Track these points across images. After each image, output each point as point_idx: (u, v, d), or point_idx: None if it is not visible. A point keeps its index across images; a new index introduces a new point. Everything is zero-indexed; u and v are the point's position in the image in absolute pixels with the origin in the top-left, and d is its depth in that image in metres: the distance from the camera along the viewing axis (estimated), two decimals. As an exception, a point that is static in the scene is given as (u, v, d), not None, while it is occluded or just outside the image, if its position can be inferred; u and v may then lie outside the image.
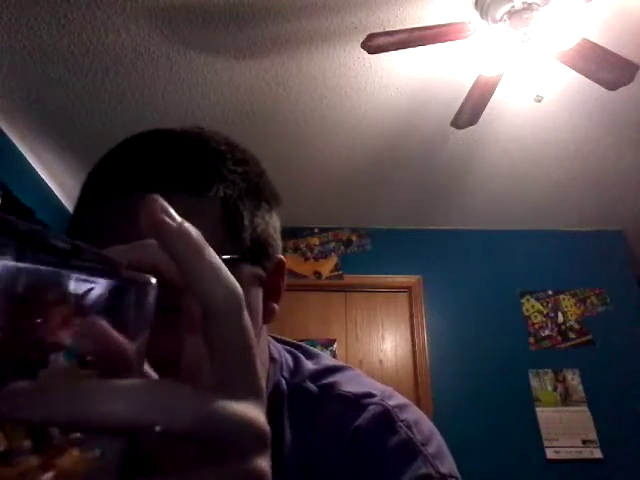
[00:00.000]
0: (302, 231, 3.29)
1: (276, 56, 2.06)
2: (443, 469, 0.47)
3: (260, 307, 0.47)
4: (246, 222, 0.44)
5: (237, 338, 0.21)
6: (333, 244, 3.30)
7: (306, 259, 3.24)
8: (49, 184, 2.77)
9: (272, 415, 0.47)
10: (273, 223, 0.49)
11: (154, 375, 0.26)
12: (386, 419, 0.49)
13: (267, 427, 0.21)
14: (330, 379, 0.54)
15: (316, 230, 3.31)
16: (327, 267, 3.23)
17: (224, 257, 0.38)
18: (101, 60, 2.05)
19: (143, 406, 0.18)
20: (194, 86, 2.18)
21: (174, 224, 0.21)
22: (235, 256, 0.42)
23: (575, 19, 1.66)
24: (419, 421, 0.51)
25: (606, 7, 1.85)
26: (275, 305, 0.50)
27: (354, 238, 3.33)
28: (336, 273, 3.21)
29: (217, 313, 0.21)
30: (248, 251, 0.44)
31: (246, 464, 0.20)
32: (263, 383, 0.23)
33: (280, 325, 2.92)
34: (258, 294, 0.46)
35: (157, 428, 0.18)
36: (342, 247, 3.31)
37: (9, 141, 2.42)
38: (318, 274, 3.20)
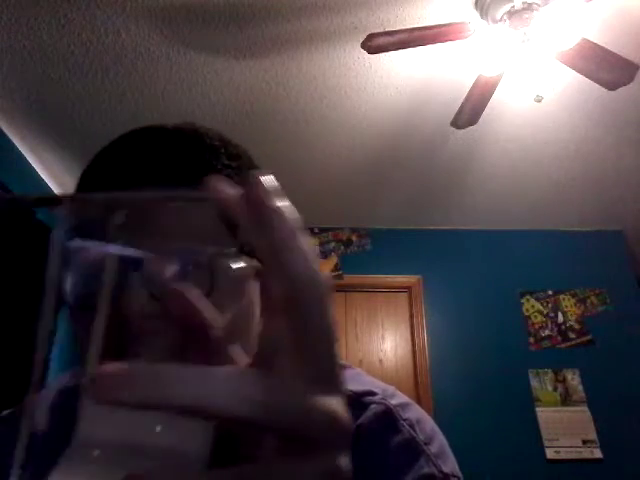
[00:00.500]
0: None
1: (276, 56, 2.06)
2: (446, 468, 0.47)
3: (258, 299, 0.46)
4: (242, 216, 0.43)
5: (325, 329, 0.21)
6: (333, 244, 3.30)
7: (306, 259, 3.24)
8: (49, 184, 2.77)
9: None
10: None
11: (241, 355, 0.26)
12: (388, 418, 0.49)
13: (351, 424, 0.21)
14: None
15: (316, 230, 3.31)
16: (327, 267, 3.23)
17: (223, 251, 0.38)
18: (101, 60, 2.05)
19: (243, 398, 0.18)
20: (194, 86, 2.18)
21: (275, 206, 0.21)
22: (233, 249, 0.41)
23: (575, 19, 1.66)
24: (421, 420, 0.51)
25: (606, 7, 1.85)
26: None
27: (354, 238, 3.33)
28: (336, 273, 3.21)
29: (309, 301, 0.21)
30: (246, 245, 0.43)
31: (333, 461, 0.20)
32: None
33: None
34: (256, 287, 0.46)
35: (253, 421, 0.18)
36: (342, 247, 3.31)
37: (9, 141, 2.42)
38: (318, 274, 3.20)
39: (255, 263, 0.43)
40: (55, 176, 2.74)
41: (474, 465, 2.62)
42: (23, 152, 2.53)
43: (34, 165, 2.62)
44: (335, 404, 0.20)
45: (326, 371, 0.21)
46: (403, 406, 0.51)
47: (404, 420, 0.49)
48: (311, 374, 0.20)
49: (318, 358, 0.21)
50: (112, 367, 0.17)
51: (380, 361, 2.99)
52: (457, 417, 2.75)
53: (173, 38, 1.97)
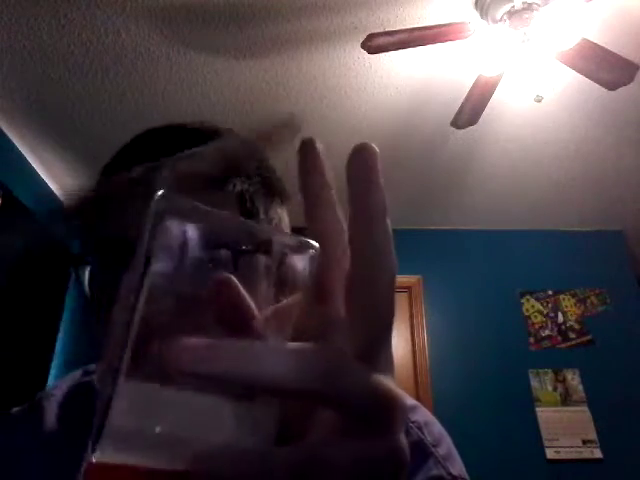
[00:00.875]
0: (302, 231, 3.28)
1: (276, 56, 2.06)
2: (454, 471, 0.47)
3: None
4: (261, 215, 0.46)
5: (388, 312, 0.21)
6: (333, 244, 3.30)
7: (306, 259, 3.24)
8: (49, 184, 2.77)
9: None
10: (284, 217, 0.51)
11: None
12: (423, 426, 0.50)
13: (407, 405, 0.21)
14: None
15: (316, 230, 3.31)
16: (327, 267, 3.23)
17: (242, 248, 0.40)
18: (101, 60, 2.05)
19: (313, 373, 0.18)
20: (194, 86, 2.18)
21: (380, 182, 0.21)
22: (249, 247, 0.42)
23: (575, 19, 1.66)
24: (429, 423, 0.51)
25: (606, 7, 1.85)
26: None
27: (354, 238, 3.33)
28: (336, 273, 3.21)
29: (376, 280, 0.21)
30: (262, 243, 0.44)
31: (393, 442, 0.20)
32: None
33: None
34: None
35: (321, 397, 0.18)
36: (342, 247, 3.30)
37: (9, 141, 2.42)
38: (318, 274, 3.20)
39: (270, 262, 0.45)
40: (55, 176, 2.74)
41: (474, 465, 2.62)
42: (23, 152, 2.53)
43: (34, 165, 2.62)
44: (395, 385, 0.20)
45: (384, 351, 0.21)
46: (411, 409, 0.51)
47: (412, 422, 0.50)
48: (370, 354, 0.20)
49: (377, 339, 0.21)
50: (194, 341, 0.17)
51: (380, 361, 2.99)
52: (457, 417, 2.74)
53: (173, 38, 1.97)
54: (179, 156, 0.43)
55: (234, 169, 0.45)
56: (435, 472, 0.46)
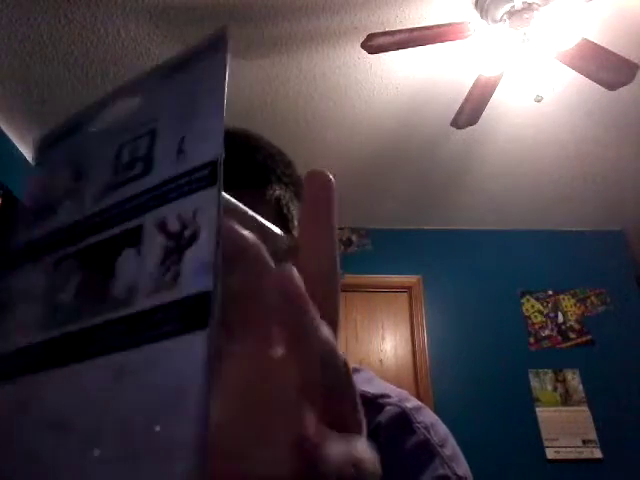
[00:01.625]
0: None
1: (276, 56, 2.06)
2: (459, 471, 0.48)
3: None
4: (294, 221, 0.50)
5: (334, 324, 0.20)
6: (333, 244, 3.30)
7: (306, 259, 3.24)
8: (49, 184, 2.76)
9: None
10: None
11: None
12: (404, 420, 0.50)
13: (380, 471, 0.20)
14: None
15: (316, 230, 3.31)
16: (327, 267, 3.23)
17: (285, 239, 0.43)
18: (101, 60, 2.05)
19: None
20: (194, 86, 2.18)
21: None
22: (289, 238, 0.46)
23: (575, 19, 1.66)
24: (435, 424, 0.52)
25: (606, 7, 1.85)
26: None
27: (354, 238, 3.33)
28: (336, 273, 3.21)
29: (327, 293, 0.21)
30: (293, 248, 0.46)
31: None
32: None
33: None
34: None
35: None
36: (342, 247, 3.30)
37: (9, 141, 2.42)
38: (318, 274, 3.20)
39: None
40: (55, 176, 2.74)
41: (474, 465, 2.62)
42: (23, 152, 2.53)
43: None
44: (372, 452, 0.19)
45: (352, 412, 0.19)
46: (417, 409, 0.52)
47: (419, 423, 0.50)
48: (341, 423, 0.19)
49: (339, 387, 0.19)
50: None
51: (380, 361, 2.99)
52: (457, 417, 2.74)
53: (173, 38, 1.97)
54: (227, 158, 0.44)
55: (275, 176, 0.49)
56: (441, 472, 0.47)
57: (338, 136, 2.54)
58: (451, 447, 0.51)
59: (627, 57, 1.83)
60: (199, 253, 0.17)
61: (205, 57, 0.25)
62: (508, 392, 2.86)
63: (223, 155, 0.20)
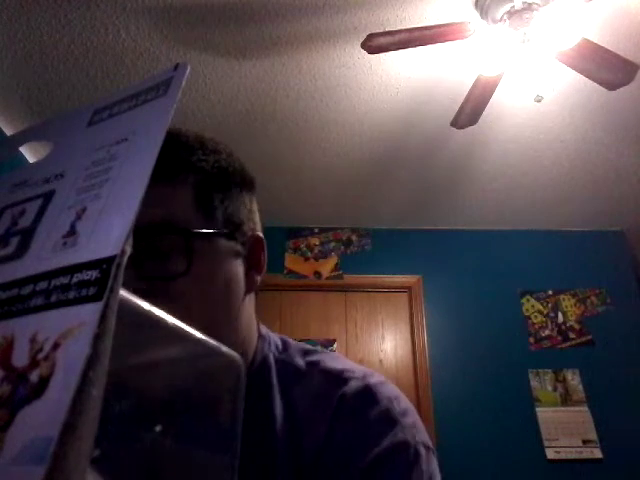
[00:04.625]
0: (302, 231, 3.28)
1: (276, 56, 2.06)
2: (419, 438, 0.51)
3: (241, 278, 0.54)
4: (216, 203, 0.51)
5: None
6: (333, 244, 3.30)
7: (306, 259, 3.24)
8: (49, 184, 2.77)
9: (262, 384, 0.55)
10: (248, 205, 0.57)
11: None
12: (367, 391, 0.54)
13: None
14: (316, 357, 0.60)
15: (316, 230, 3.31)
16: (327, 267, 3.23)
17: (198, 231, 0.46)
18: (101, 60, 2.05)
19: None
20: (194, 86, 2.18)
21: None
22: (206, 232, 0.49)
23: (575, 19, 1.66)
24: (398, 396, 0.56)
25: (606, 7, 1.85)
26: (257, 277, 0.56)
27: (354, 238, 3.33)
28: (336, 273, 3.21)
29: None
30: (222, 228, 0.51)
31: None
32: None
33: (280, 325, 2.92)
34: (237, 265, 0.53)
35: None
36: (342, 247, 3.30)
37: (9, 141, 2.42)
38: (318, 274, 3.20)
39: (233, 244, 0.52)
40: (55, 176, 2.74)
41: (474, 465, 2.63)
42: (23, 152, 2.52)
43: (34, 165, 2.62)
44: None
45: None
46: (381, 383, 0.56)
47: (381, 394, 0.54)
48: None
49: None
50: None
51: (380, 361, 2.99)
52: (457, 417, 2.75)
53: (173, 38, 1.97)
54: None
55: (190, 164, 0.50)
56: (401, 436, 0.50)
57: (338, 136, 2.54)
58: (412, 418, 0.53)
59: (627, 57, 1.83)
60: (41, 418, 0.12)
61: (150, 98, 0.20)
62: (508, 392, 2.86)
63: (129, 252, 0.15)
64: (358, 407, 0.52)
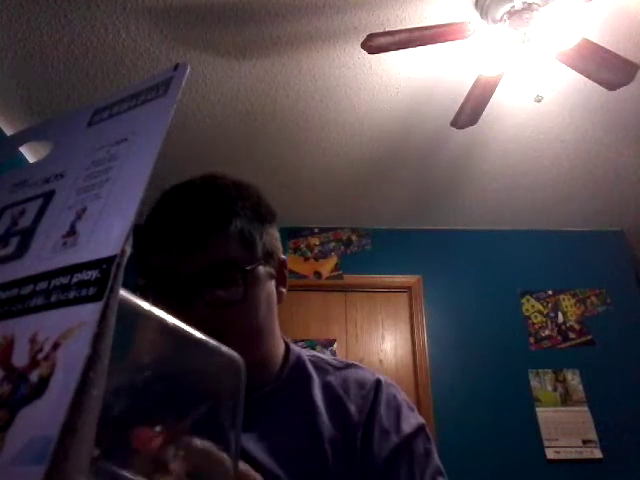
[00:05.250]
0: (302, 231, 3.28)
1: (276, 56, 2.06)
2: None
3: (274, 292, 0.68)
4: (257, 240, 0.64)
5: None
6: (333, 244, 3.30)
7: (306, 259, 3.24)
8: (49, 184, 2.76)
9: (302, 376, 0.69)
10: (274, 234, 0.69)
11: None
12: (393, 384, 0.72)
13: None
14: (347, 360, 0.76)
15: (316, 230, 3.31)
16: (327, 267, 3.23)
17: (251, 267, 0.62)
18: (101, 60, 2.05)
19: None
20: (194, 86, 2.18)
21: None
22: (253, 265, 0.62)
23: (575, 19, 1.66)
24: (406, 397, 0.72)
25: (606, 7, 1.85)
26: (283, 290, 0.71)
27: (354, 238, 3.33)
28: (336, 273, 3.21)
29: None
30: (262, 259, 0.64)
31: None
32: None
33: (280, 325, 2.91)
34: (272, 285, 0.68)
35: None
36: (342, 247, 3.30)
37: (9, 141, 2.42)
38: (318, 274, 3.20)
39: (268, 269, 0.64)
40: (55, 176, 2.74)
41: (474, 465, 2.62)
42: (23, 152, 2.52)
43: (34, 165, 2.62)
44: None
45: None
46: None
47: (398, 387, 0.73)
48: None
49: None
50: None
51: (380, 361, 2.98)
52: (457, 417, 2.75)
53: (173, 38, 1.97)
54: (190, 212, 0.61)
55: (234, 213, 0.62)
56: (421, 420, 0.68)
57: (338, 136, 2.54)
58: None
59: (627, 57, 1.83)
60: (42, 417, 0.11)
61: (150, 98, 0.19)
62: (508, 392, 2.86)
63: (129, 252, 0.15)
64: (391, 391, 0.69)
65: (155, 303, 0.55)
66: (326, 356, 0.75)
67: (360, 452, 0.62)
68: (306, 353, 0.74)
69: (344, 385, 0.68)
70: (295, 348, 0.73)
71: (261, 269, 0.64)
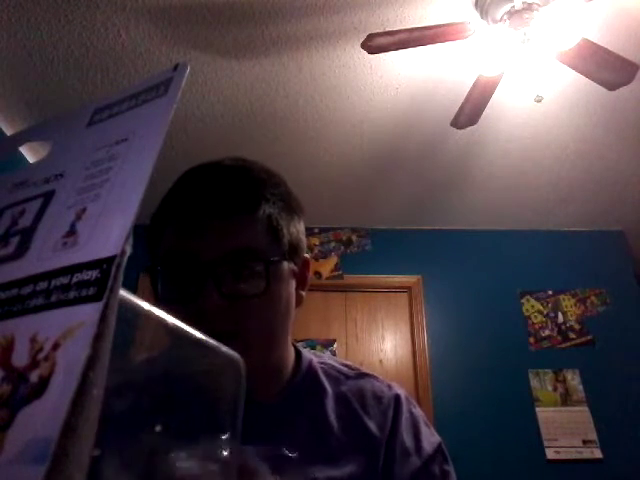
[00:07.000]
0: (327, 231, 3.28)
1: (276, 56, 2.06)
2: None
3: (294, 294, 0.62)
4: (284, 231, 0.58)
5: None
6: (333, 244, 3.30)
7: (306, 259, 3.24)
8: (49, 184, 2.76)
9: (314, 384, 0.65)
10: (301, 229, 0.64)
11: None
12: (410, 398, 0.68)
13: None
14: (358, 368, 0.72)
15: (316, 230, 3.31)
16: (327, 267, 3.23)
17: (275, 259, 0.56)
18: (101, 60, 2.05)
19: None
20: (194, 86, 2.18)
21: None
22: (277, 258, 0.57)
23: (575, 19, 1.66)
24: (421, 412, 0.70)
25: (606, 7, 1.85)
26: (303, 293, 0.65)
27: (354, 238, 3.33)
28: (336, 273, 3.21)
29: None
30: (287, 253, 0.59)
31: None
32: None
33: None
34: (293, 284, 0.62)
35: None
36: (342, 247, 3.30)
37: (9, 141, 2.42)
38: (318, 274, 3.20)
39: (292, 266, 0.60)
40: (55, 176, 2.74)
41: (474, 465, 2.62)
42: (23, 152, 2.53)
43: (34, 165, 2.62)
44: None
45: None
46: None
47: (414, 401, 0.70)
48: None
49: None
50: None
51: (380, 361, 2.99)
52: (457, 417, 2.75)
53: (173, 38, 1.97)
54: (220, 190, 0.56)
55: (264, 198, 0.57)
56: (437, 437, 0.66)
57: (338, 136, 2.54)
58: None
59: (627, 57, 1.83)
60: (42, 418, 0.11)
61: (150, 98, 0.19)
62: (508, 392, 2.86)
63: (129, 252, 0.15)
64: (410, 405, 0.67)
65: (163, 287, 0.54)
66: (335, 362, 0.71)
67: (381, 471, 0.60)
68: (316, 360, 0.69)
69: (360, 398, 0.65)
70: (306, 355, 0.69)
71: (285, 264, 0.58)
